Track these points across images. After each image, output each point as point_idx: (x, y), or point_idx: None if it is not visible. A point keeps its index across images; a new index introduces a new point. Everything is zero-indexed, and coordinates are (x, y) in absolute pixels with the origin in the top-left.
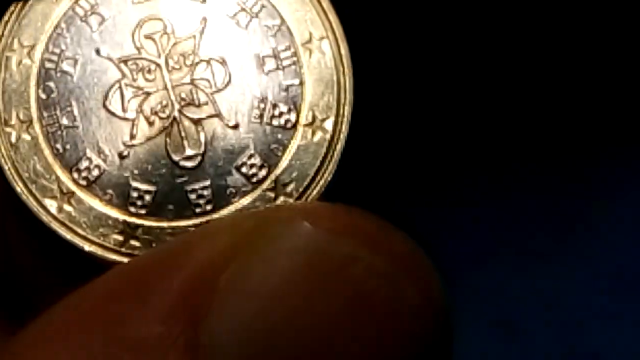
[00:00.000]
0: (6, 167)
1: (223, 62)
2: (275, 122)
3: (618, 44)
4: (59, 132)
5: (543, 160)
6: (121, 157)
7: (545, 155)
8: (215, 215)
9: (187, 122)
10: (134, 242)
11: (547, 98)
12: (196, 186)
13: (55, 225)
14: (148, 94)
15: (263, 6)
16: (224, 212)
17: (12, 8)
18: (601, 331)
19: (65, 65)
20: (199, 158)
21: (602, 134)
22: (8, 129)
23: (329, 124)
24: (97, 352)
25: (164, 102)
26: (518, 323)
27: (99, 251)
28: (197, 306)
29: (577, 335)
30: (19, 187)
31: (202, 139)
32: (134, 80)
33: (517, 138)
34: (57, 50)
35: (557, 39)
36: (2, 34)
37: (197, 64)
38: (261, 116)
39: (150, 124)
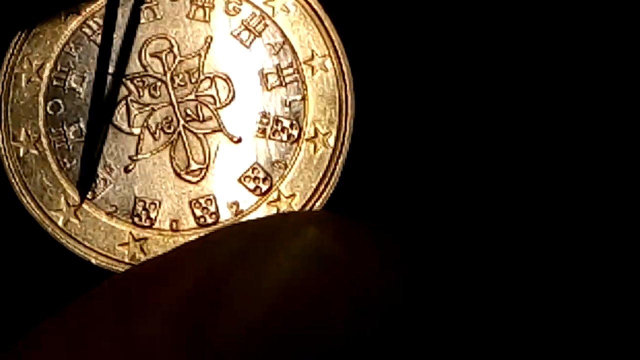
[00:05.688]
0: (14, 181)
1: (227, 79)
2: (278, 137)
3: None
4: (66, 147)
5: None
6: (127, 170)
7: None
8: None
9: (191, 137)
10: (139, 254)
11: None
12: (201, 199)
13: (61, 238)
14: (153, 109)
15: (266, 25)
16: (228, 224)
17: (22, 29)
18: None
19: (73, 83)
20: (203, 171)
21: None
22: (16, 144)
23: (331, 139)
24: (104, 350)
25: (169, 118)
26: None
27: (106, 263)
28: (204, 310)
29: None
30: (26, 201)
31: (206, 153)
32: (140, 96)
33: (521, 148)
34: (66, 69)
35: (559, 42)
36: (12, 52)
37: (201, 80)
38: (264, 131)
39: (156, 138)
